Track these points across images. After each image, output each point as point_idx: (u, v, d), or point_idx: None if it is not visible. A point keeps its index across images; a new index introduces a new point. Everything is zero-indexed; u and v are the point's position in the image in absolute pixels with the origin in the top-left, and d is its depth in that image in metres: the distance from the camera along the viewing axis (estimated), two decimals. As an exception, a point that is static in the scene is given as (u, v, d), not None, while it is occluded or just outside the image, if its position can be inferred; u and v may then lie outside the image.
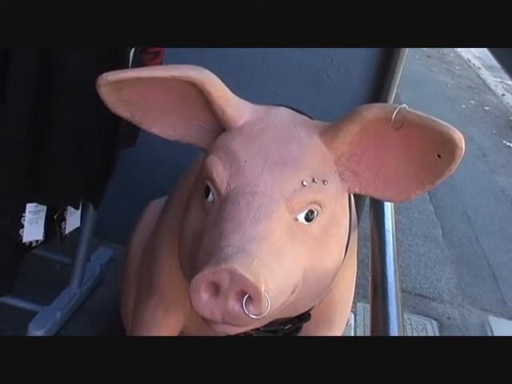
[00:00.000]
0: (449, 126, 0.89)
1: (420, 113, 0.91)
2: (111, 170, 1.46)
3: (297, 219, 0.93)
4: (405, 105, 0.90)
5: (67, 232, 1.52)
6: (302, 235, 0.94)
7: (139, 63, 1.46)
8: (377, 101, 1.84)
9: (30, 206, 1.40)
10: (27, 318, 1.63)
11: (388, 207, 1.32)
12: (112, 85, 0.98)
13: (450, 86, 10.36)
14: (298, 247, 0.93)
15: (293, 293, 0.94)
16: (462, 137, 0.88)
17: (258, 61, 1.91)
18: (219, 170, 0.95)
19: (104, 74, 0.96)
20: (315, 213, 0.95)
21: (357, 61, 1.88)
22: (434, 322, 4.27)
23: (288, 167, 0.93)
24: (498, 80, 11.37)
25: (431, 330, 4.17)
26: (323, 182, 0.95)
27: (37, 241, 1.47)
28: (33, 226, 1.43)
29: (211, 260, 0.85)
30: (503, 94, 10.61)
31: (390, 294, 1.05)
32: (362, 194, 1.03)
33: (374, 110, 0.92)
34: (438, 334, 4.18)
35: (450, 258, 5.08)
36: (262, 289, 0.83)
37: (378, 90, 1.86)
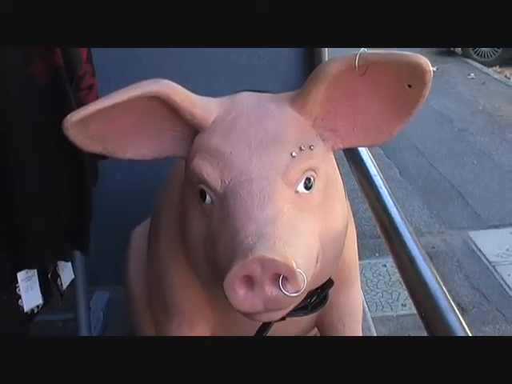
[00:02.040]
0: (412, 53, 0.90)
1: (380, 51, 0.92)
2: (89, 212, 1.43)
3: (297, 191, 0.95)
4: (363, 49, 0.91)
5: (65, 287, 1.50)
6: (307, 205, 0.95)
7: (79, 102, 1.44)
8: (311, 65, 1.86)
9: (20, 275, 1.37)
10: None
11: (365, 155, 1.33)
12: (78, 124, 0.97)
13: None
14: (307, 217, 0.94)
15: (317, 262, 0.95)
16: (427, 60, 0.90)
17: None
18: (209, 170, 0.95)
19: (68, 116, 0.95)
20: (312, 179, 0.96)
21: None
22: (422, 255, 4.34)
23: (273, 144, 0.94)
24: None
25: (421, 264, 4.26)
26: (309, 147, 0.96)
27: (38, 306, 1.44)
28: (29, 293, 1.40)
29: (236, 255, 0.85)
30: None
31: (403, 232, 1.07)
32: (346, 147, 1.04)
33: (335, 64, 0.93)
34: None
35: (414, 192, 5.18)
36: (294, 265, 0.84)
37: (310, 54, 1.87)
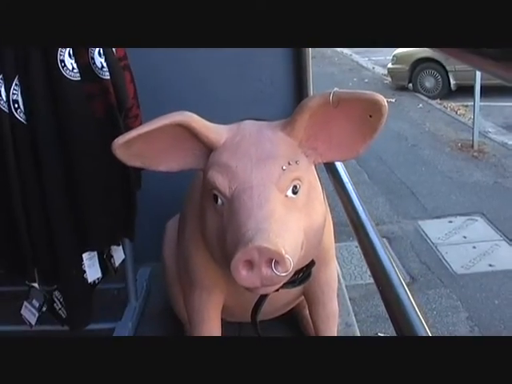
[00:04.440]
0: (372, 92, 0.88)
1: (349, 90, 0.90)
2: (134, 211, 1.42)
3: (287, 195, 0.92)
4: (336, 88, 0.89)
5: (117, 264, 1.48)
6: (294, 206, 0.93)
7: (126, 127, 1.42)
8: (300, 98, 1.83)
9: (85, 255, 1.36)
10: (108, 334, 1.57)
11: (340, 167, 1.30)
12: (123, 145, 0.95)
13: (336, 73, 10.48)
14: (295, 215, 0.92)
15: (302, 249, 0.93)
16: (383, 98, 0.87)
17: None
18: (220, 180, 0.93)
19: (116, 140, 0.94)
20: (298, 186, 0.94)
21: (278, 73, 1.86)
22: (384, 239, 4.34)
23: (268, 160, 0.92)
24: (366, 59, 11.61)
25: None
26: (296, 162, 0.94)
27: (98, 278, 1.43)
28: (92, 269, 1.39)
29: (239, 245, 0.83)
30: (373, 67, 10.79)
31: (367, 227, 1.04)
32: (324, 162, 1.01)
33: (315, 99, 0.91)
34: (389, 247, 4.27)
35: (379, 192, 5.17)
36: (283, 252, 0.82)
37: (299, 91, 1.84)
